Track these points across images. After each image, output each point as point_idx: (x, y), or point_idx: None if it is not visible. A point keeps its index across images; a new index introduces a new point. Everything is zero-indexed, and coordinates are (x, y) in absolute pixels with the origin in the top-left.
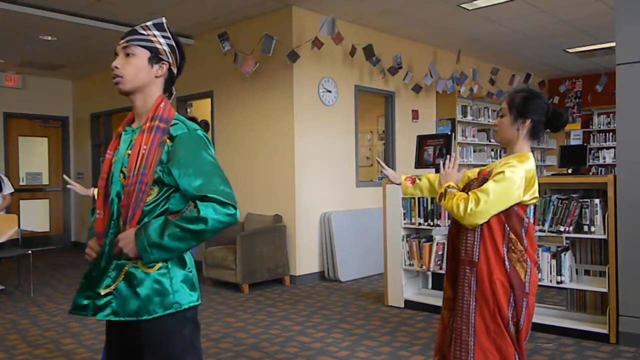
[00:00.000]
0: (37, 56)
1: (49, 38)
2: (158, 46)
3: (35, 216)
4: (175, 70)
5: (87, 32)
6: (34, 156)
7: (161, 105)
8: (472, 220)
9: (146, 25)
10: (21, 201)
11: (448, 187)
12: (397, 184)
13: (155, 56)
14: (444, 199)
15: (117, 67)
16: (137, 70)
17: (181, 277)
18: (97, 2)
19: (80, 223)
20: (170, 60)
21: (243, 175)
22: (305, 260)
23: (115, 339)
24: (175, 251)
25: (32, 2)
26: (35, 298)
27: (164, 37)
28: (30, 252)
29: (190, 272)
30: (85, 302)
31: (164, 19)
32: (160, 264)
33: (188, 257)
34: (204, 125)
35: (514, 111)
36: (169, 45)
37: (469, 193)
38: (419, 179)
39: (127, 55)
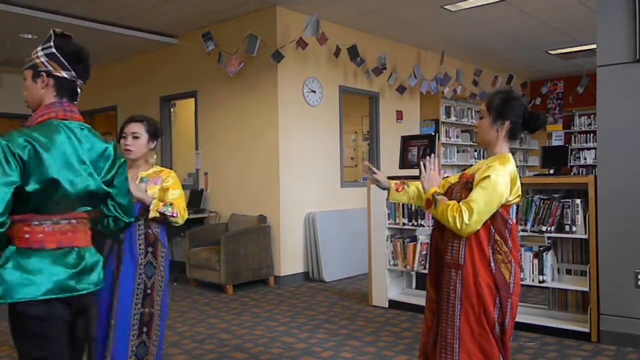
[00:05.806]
0: (18, 54)
1: (30, 36)
2: (37, 61)
3: None
4: (63, 73)
5: (68, 30)
6: None
7: (34, 114)
8: (469, 230)
9: (35, 50)
10: None
11: (435, 193)
12: (386, 189)
13: (36, 71)
14: (434, 207)
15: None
16: (28, 91)
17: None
18: (79, 0)
19: None
20: (49, 67)
21: (227, 176)
22: (289, 260)
23: None
24: None
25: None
26: None
27: (43, 49)
28: None
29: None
30: None
31: (51, 30)
32: None
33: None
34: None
35: (493, 113)
36: (47, 54)
37: (461, 204)
38: (407, 186)
39: (24, 80)
